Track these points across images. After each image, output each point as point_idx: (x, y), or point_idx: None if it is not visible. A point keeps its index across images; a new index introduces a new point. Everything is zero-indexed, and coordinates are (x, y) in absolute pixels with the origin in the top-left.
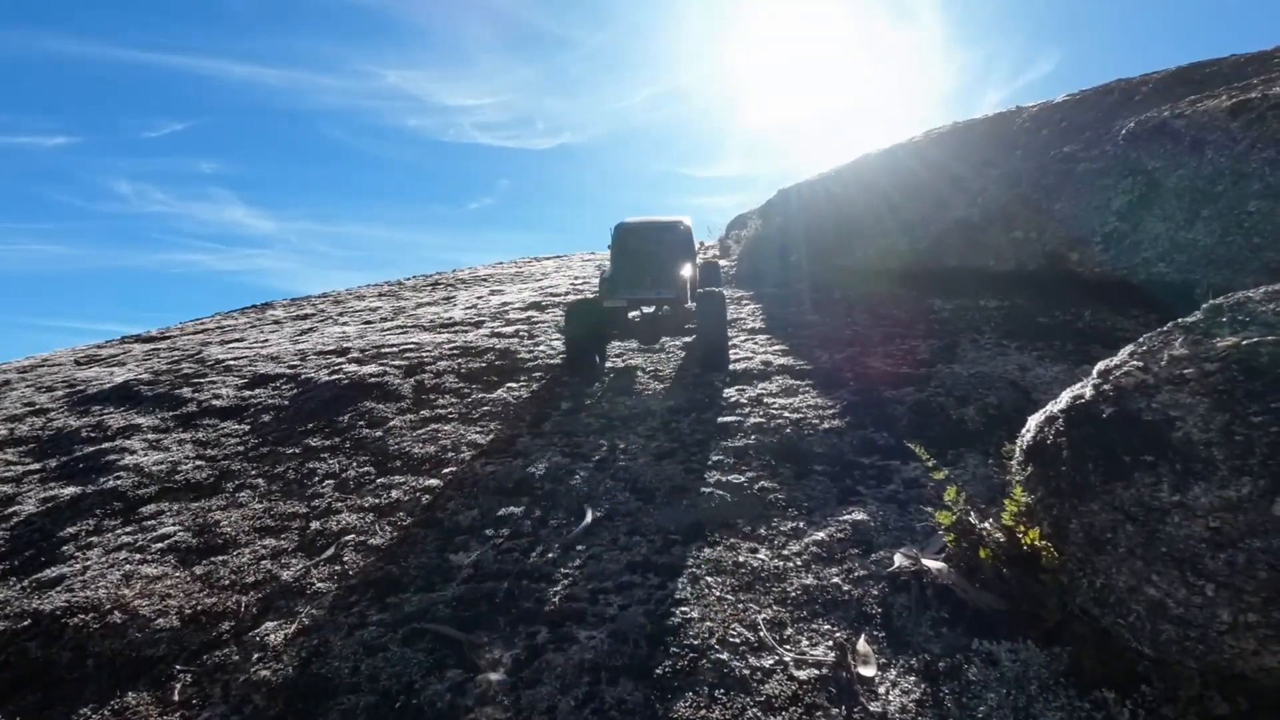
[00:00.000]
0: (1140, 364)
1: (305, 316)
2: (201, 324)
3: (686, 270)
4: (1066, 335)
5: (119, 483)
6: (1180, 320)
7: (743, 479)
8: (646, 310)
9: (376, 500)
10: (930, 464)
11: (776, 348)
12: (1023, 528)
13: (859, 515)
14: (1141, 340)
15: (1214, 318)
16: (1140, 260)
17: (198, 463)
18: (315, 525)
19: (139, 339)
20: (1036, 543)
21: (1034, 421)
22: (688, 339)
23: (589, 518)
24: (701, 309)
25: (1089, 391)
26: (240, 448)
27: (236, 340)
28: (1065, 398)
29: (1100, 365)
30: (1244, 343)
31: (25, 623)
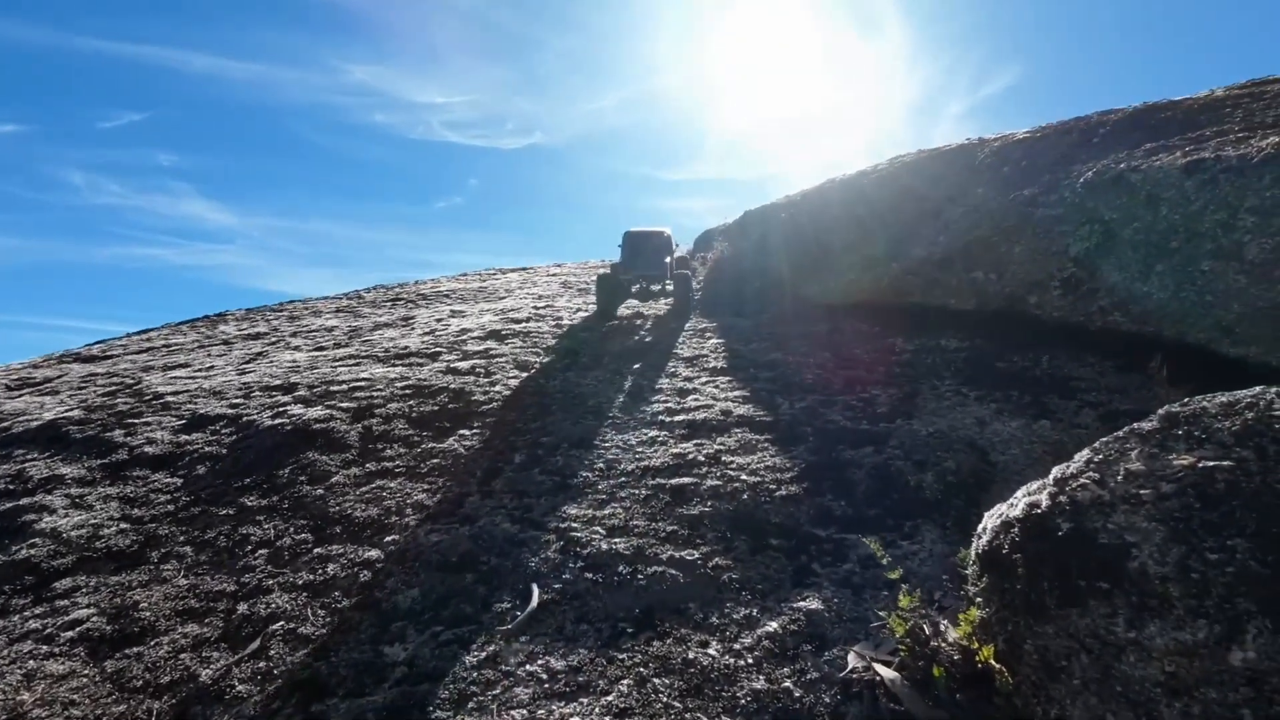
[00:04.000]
0: (1097, 476)
1: (257, 336)
2: (148, 339)
3: (667, 259)
4: (1024, 384)
5: (33, 551)
6: (1137, 427)
7: (697, 555)
8: (643, 283)
9: (311, 576)
10: (885, 560)
11: (737, 394)
12: (977, 643)
13: (814, 604)
14: (1098, 446)
15: (1170, 429)
16: (1096, 308)
17: (122, 525)
18: (242, 608)
19: (78, 357)
20: (991, 662)
21: (990, 524)
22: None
23: (534, 601)
24: (676, 284)
25: (1045, 500)
26: (170, 507)
27: (180, 366)
28: (1021, 503)
29: (1056, 471)
30: (1200, 464)
31: None
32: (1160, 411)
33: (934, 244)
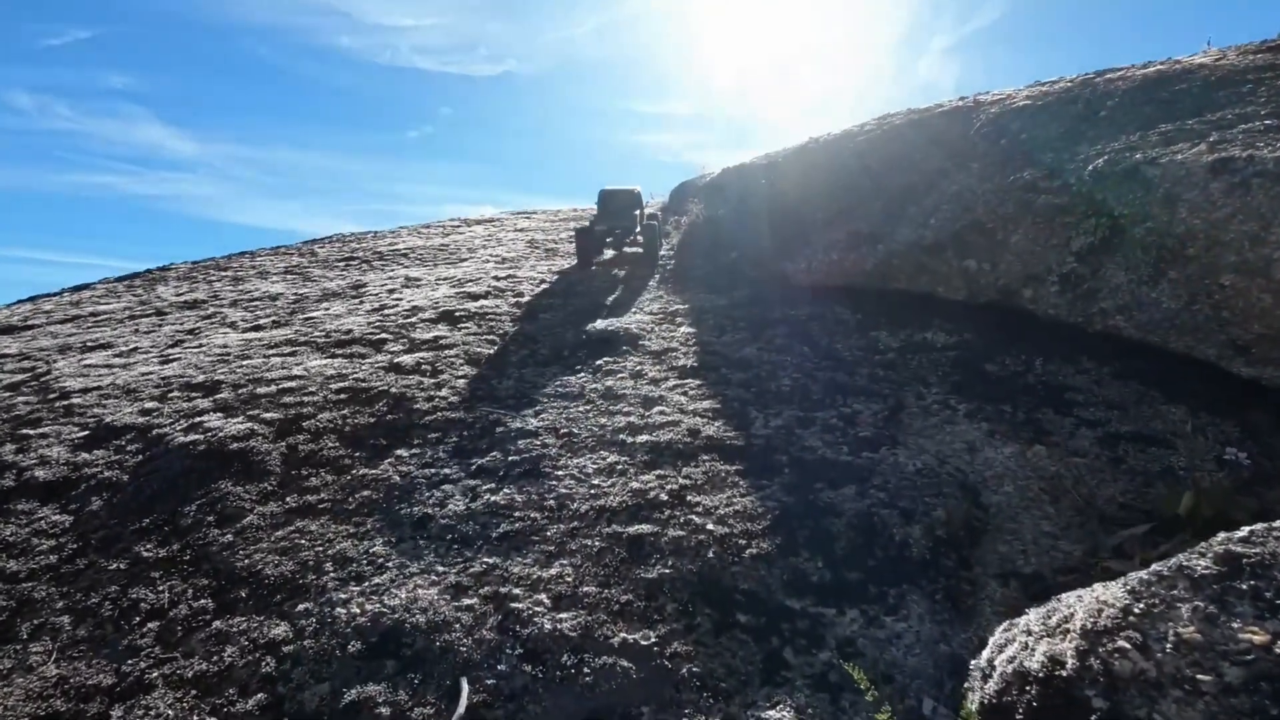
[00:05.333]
0: (1138, 637)
1: (194, 305)
2: (78, 301)
3: (636, 213)
4: (1016, 394)
5: None
6: (1187, 566)
7: (654, 637)
8: (616, 234)
9: (204, 665)
10: (870, 697)
11: (706, 405)
12: None
13: (785, 714)
14: (1137, 587)
15: (1230, 580)
16: (1097, 310)
17: None
18: (117, 714)
19: None
20: None
21: (998, 664)
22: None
23: (463, 704)
24: (645, 234)
25: (1070, 657)
26: (53, 557)
27: (101, 347)
28: (1040, 653)
29: (1083, 617)
30: (1277, 646)
31: None
32: (1218, 548)
33: (924, 226)
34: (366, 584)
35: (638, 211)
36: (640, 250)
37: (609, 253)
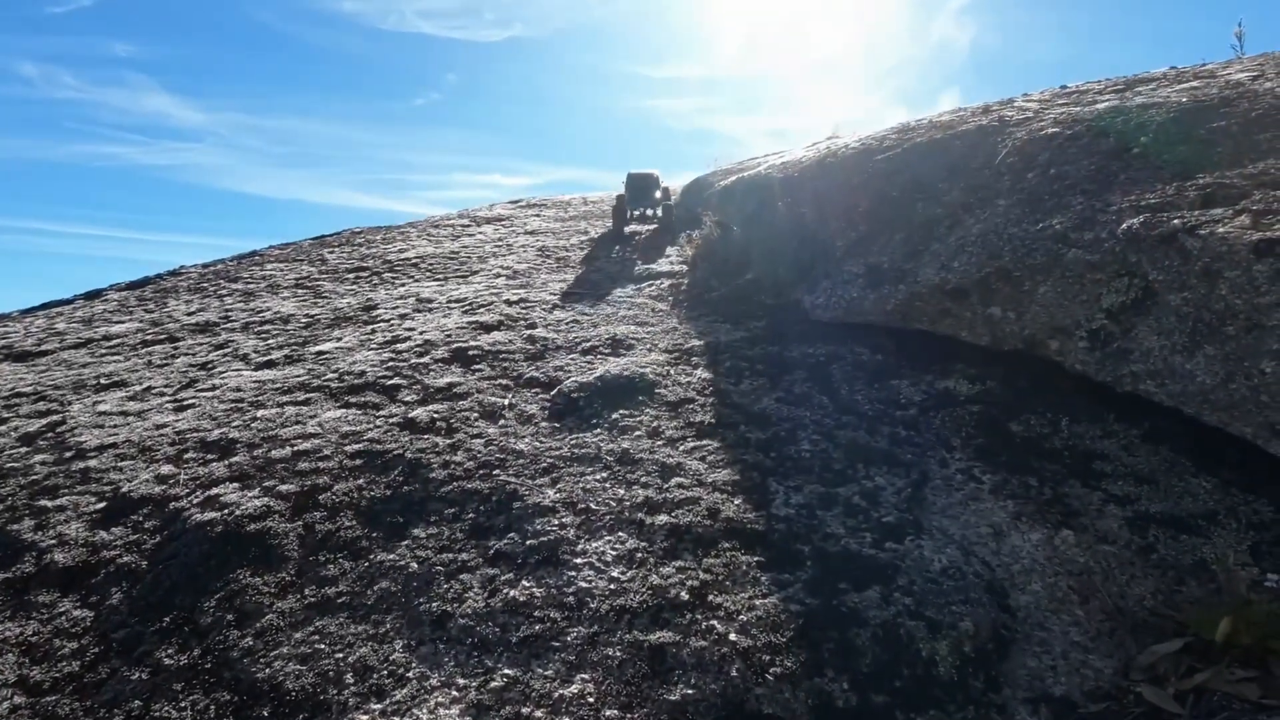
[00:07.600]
0: None
1: (205, 328)
2: (89, 319)
3: (657, 195)
4: (1042, 461)
5: None
6: None
7: None
8: (640, 210)
9: None
10: None
11: (724, 475)
12: None
13: None
14: None
15: None
16: (1128, 372)
17: (16, 699)
18: None
19: (9, 353)
20: None
21: None
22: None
23: None
24: (663, 211)
25: None
26: (76, 664)
27: (115, 385)
28: None
29: None
30: None
31: None
32: None
33: (948, 269)
34: (387, 701)
35: (657, 193)
36: (658, 224)
37: (634, 226)
